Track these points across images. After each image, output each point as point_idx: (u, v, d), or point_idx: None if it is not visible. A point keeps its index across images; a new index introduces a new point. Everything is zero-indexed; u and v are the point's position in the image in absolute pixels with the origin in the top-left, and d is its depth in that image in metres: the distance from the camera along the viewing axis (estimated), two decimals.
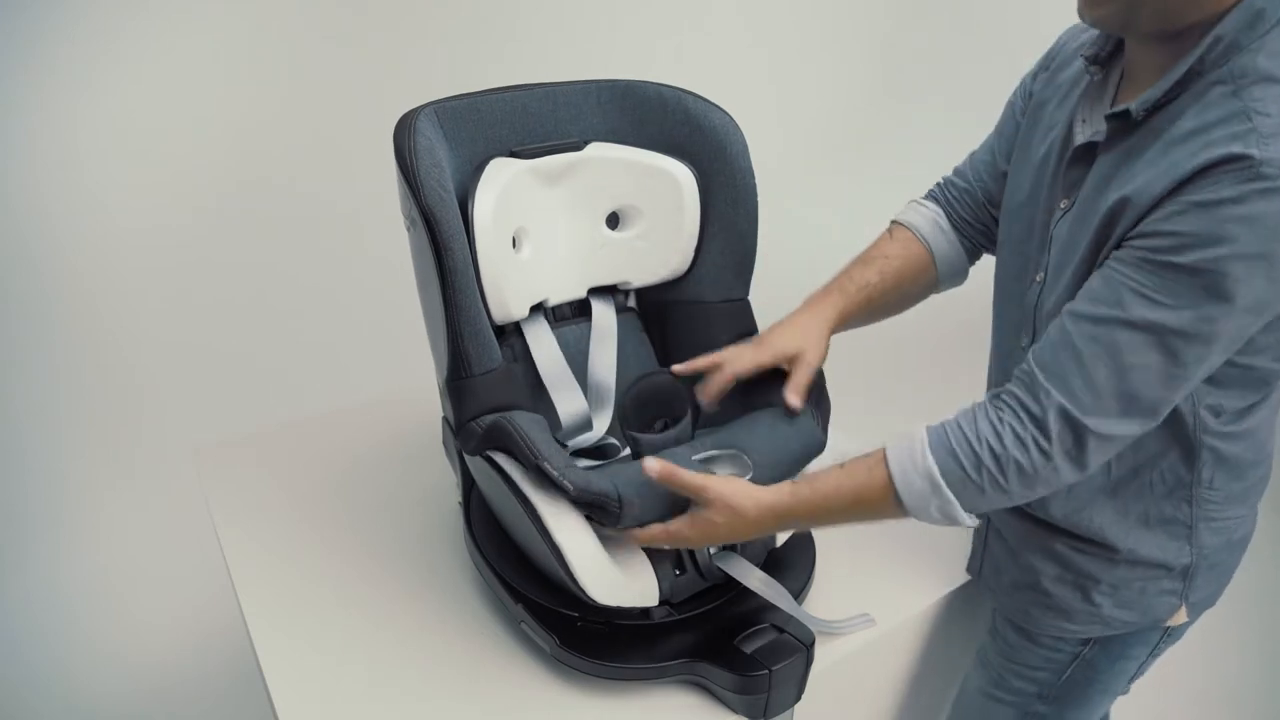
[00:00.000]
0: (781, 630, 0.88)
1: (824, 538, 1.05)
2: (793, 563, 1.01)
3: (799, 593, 0.97)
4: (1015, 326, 0.94)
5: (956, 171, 1.08)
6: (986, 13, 3.47)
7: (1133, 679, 1.04)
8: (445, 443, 1.12)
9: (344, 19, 2.46)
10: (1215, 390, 0.81)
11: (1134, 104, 0.77)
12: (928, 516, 0.80)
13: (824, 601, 1.00)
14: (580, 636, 0.89)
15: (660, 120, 1.03)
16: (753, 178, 1.03)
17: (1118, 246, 0.75)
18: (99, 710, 1.92)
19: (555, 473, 0.80)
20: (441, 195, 0.84)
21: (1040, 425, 0.74)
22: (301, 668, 0.94)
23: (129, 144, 2.29)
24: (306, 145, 2.49)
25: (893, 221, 1.09)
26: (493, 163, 0.96)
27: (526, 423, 0.85)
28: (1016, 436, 0.75)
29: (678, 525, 0.85)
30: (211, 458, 1.31)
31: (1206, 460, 0.85)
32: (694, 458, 0.88)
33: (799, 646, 0.86)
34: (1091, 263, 0.79)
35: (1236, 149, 0.66)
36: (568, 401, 1.03)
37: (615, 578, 0.85)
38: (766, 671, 0.83)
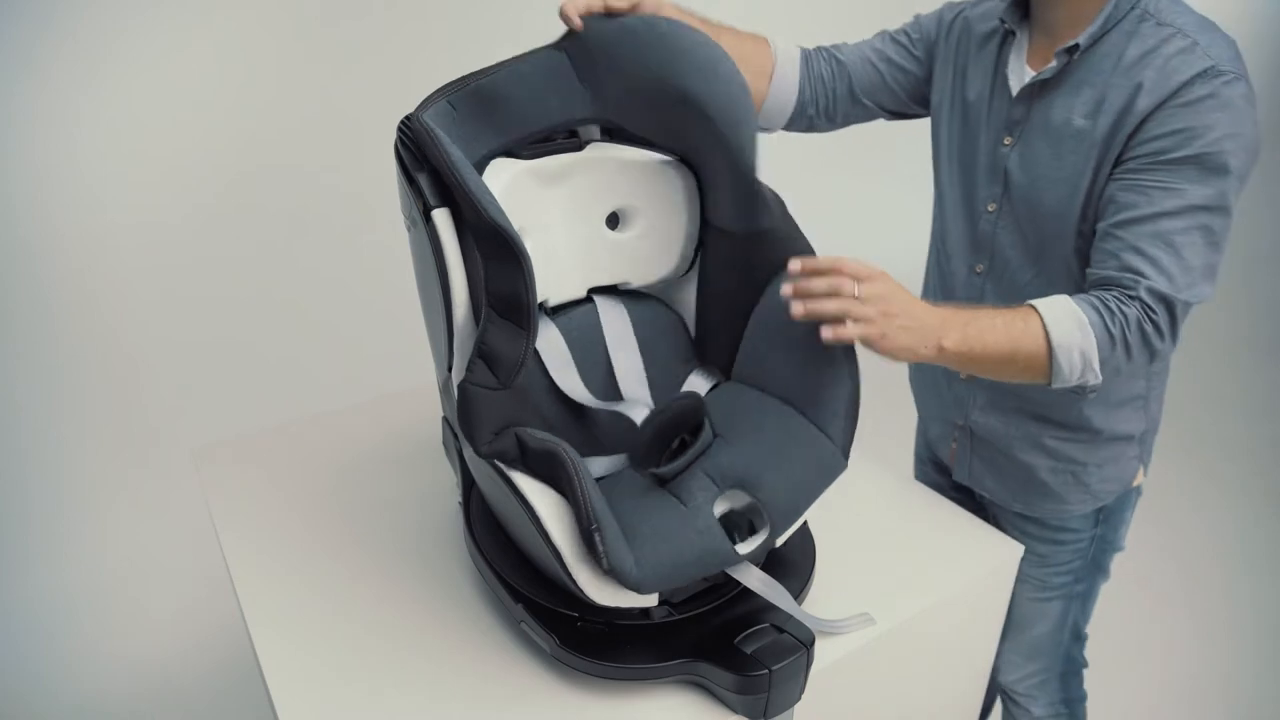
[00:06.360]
0: (781, 630, 0.88)
1: (823, 537, 1.05)
2: (793, 563, 1.01)
3: (799, 593, 0.97)
4: (967, 254, 1.14)
5: (837, 48, 1.25)
6: None
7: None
8: (445, 443, 1.12)
9: (344, 17, 2.46)
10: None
11: (1082, 38, 0.96)
12: (1067, 371, 0.91)
13: (824, 601, 1.00)
14: (580, 636, 0.89)
15: (635, 58, 0.96)
16: (748, 93, 0.94)
17: (1117, 164, 0.95)
18: (99, 710, 1.92)
19: (600, 546, 0.79)
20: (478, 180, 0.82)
21: (1145, 307, 0.91)
22: (301, 668, 0.94)
23: (129, 143, 2.29)
24: (307, 145, 2.49)
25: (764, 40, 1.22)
26: (493, 163, 0.96)
27: (581, 464, 0.81)
28: (1135, 316, 0.91)
29: (859, 310, 0.82)
30: (211, 458, 1.31)
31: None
32: (715, 510, 0.87)
33: (799, 646, 0.86)
34: (1091, 177, 0.97)
35: (1201, 64, 0.89)
36: (569, 382, 1.01)
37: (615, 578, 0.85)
38: (766, 671, 0.83)
